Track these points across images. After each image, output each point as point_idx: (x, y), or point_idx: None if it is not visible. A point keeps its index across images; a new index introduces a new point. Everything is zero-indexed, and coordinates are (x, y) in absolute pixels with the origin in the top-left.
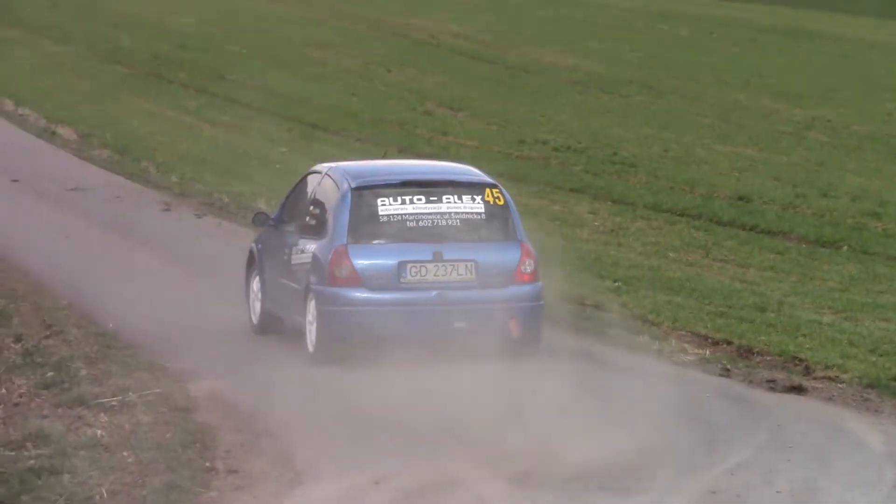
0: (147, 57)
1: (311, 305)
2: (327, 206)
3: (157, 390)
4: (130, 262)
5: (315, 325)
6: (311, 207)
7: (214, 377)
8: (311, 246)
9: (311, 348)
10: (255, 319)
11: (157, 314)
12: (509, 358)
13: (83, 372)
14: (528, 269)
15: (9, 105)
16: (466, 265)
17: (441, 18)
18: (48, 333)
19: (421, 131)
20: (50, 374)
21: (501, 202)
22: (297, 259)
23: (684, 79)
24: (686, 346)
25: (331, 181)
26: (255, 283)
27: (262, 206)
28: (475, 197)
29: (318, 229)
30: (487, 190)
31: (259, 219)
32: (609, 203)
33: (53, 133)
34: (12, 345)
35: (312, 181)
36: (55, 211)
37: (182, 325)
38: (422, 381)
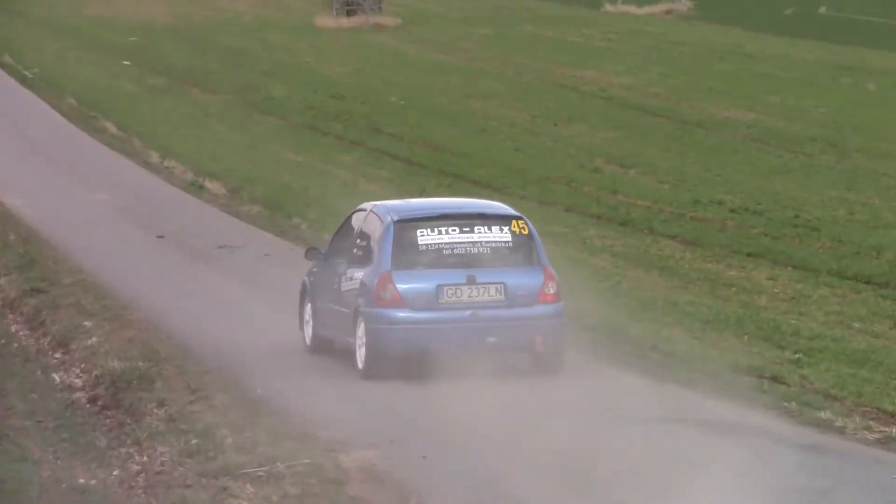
0: (300, 107)
1: (360, 326)
2: (373, 238)
3: (307, 460)
4: (279, 325)
5: (364, 342)
6: (359, 240)
7: (367, 447)
8: (358, 273)
9: (360, 364)
10: (308, 342)
11: (307, 381)
12: (679, 424)
13: (229, 440)
14: (551, 291)
15: (154, 157)
16: (496, 287)
17: (612, 70)
18: (193, 398)
19: (589, 189)
20: (194, 441)
21: (526, 232)
22: (346, 286)
23: (872, 136)
24: (871, 423)
25: (375, 217)
26: (308, 310)
27: None
28: (503, 228)
29: (364, 259)
30: (514, 221)
31: (311, 253)
32: (789, 269)
33: (201, 187)
34: (155, 410)
35: (358, 218)
36: (201, 269)
37: (335, 394)
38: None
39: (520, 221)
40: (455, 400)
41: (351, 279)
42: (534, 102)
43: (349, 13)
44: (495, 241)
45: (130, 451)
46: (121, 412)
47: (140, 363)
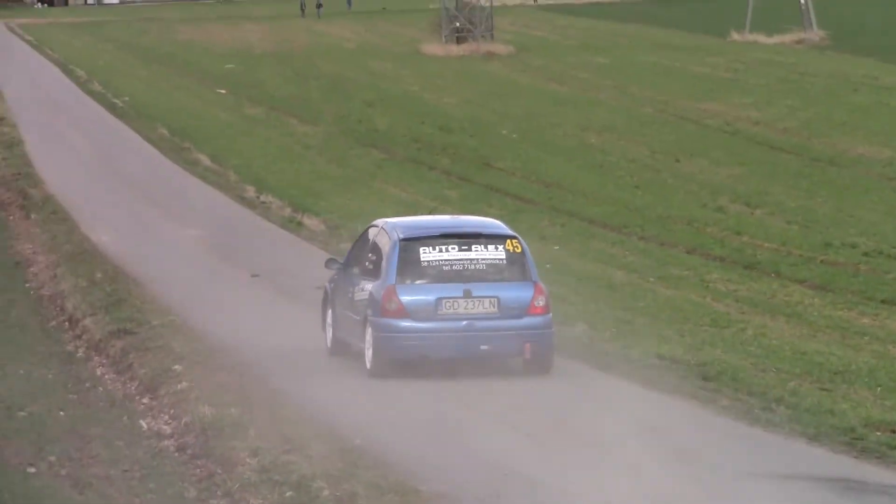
0: (405, 140)
1: (368, 332)
2: (382, 253)
3: None
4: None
5: (371, 347)
6: (370, 254)
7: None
8: (368, 285)
9: (368, 365)
10: (328, 344)
11: (415, 433)
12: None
13: (325, 492)
14: (541, 304)
15: (250, 191)
16: (490, 300)
17: (738, 103)
18: (288, 447)
19: (712, 230)
20: (289, 493)
21: (519, 250)
22: (358, 296)
23: None
24: None
25: (384, 233)
26: (329, 316)
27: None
28: (498, 246)
29: (374, 272)
30: (508, 241)
31: (330, 264)
32: None
33: (299, 223)
34: (248, 459)
35: (372, 233)
36: (298, 311)
37: (439, 444)
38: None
39: (514, 241)
40: None
41: (362, 290)
42: (654, 136)
43: (459, 40)
44: (490, 259)
45: (221, 502)
46: (211, 461)
47: (232, 409)
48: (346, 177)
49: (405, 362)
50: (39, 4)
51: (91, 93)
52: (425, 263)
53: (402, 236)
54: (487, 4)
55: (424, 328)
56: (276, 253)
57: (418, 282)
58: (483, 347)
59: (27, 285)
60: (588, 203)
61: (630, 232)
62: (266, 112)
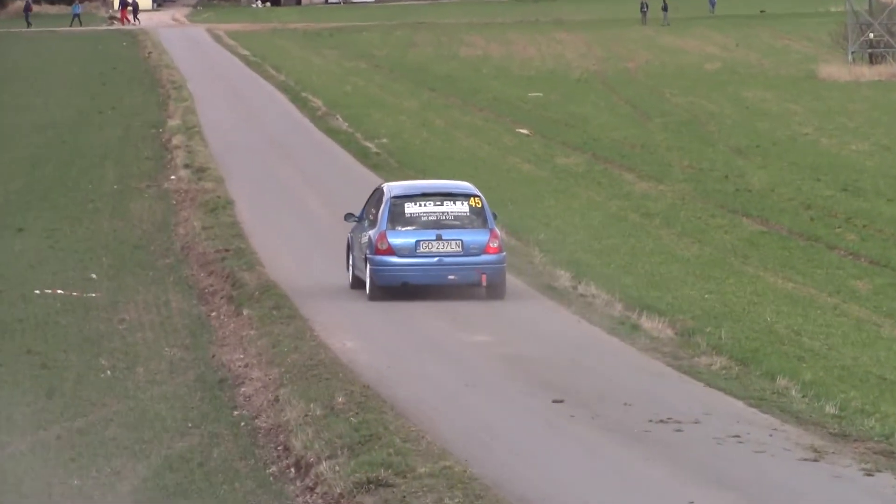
0: (792, 205)
1: (367, 267)
2: (380, 207)
3: None
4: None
5: (368, 278)
6: (373, 209)
7: None
8: (370, 232)
9: (367, 292)
10: (349, 280)
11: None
12: None
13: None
14: (495, 245)
15: (564, 279)
16: (456, 242)
17: None
18: None
19: None
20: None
21: (479, 205)
22: (363, 240)
23: None
24: None
25: (383, 193)
26: (351, 259)
27: None
28: (464, 202)
29: (374, 222)
30: (471, 198)
31: (349, 217)
32: None
33: (634, 326)
34: None
35: (378, 192)
36: (630, 458)
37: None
38: None
39: (476, 198)
40: None
41: (367, 235)
42: None
43: (873, 59)
44: (457, 212)
45: None
46: None
47: None
48: (703, 258)
49: (392, 288)
50: (259, 3)
51: (331, 132)
52: (409, 215)
53: (393, 194)
54: None
55: (406, 263)
56: (595, 369)
57: (403, 228)
58: (450, 277)
59: (236, 413)
60: None
61: None
62: (587, 162)
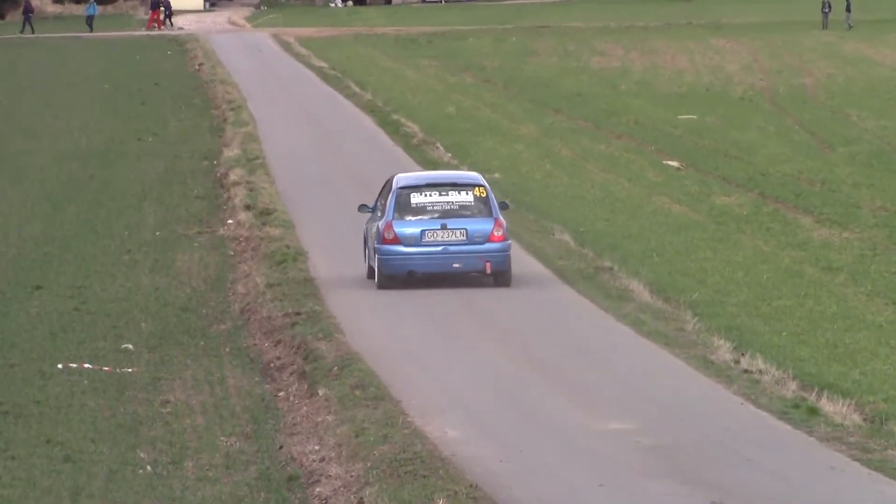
0: None
1: (375, 256)
2: (388, 198)
3: None
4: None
5: (376, 266)
6: (382, 200)
7: None
8: (378, 222)
9: (376, 280)
10: (367, 272)
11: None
12: None
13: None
14: (499, 234)
15: (722, 351)
16: (461, 231)
17: None
18: None
19: None
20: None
21: (484, 195)
22: (373, 230)
23: None
24: None
25: (393, 183)
26: (366, 251)
27: None
28: (468, 192)
29: (382, 212)
30: (476, 188)
31: (363, 208)
32: None
33: (812, 410)
34: None
35: (388, 184)
36: None
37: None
38: None
39: (480, 188)
40: None
41: (375, 226)
42: None
43: None
44: (462, 201)
45: None
46: None
47: None
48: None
49: (399, 276)
50: (340, 1)
51: (430, 164)
52: (415, 205)
53: (399, 185)
54: None
55: (412, 252)
56: (761, 463)
57: (409, 218)
58: (455, 265)
59: None
60: None
61: None
62: (753, 203)
